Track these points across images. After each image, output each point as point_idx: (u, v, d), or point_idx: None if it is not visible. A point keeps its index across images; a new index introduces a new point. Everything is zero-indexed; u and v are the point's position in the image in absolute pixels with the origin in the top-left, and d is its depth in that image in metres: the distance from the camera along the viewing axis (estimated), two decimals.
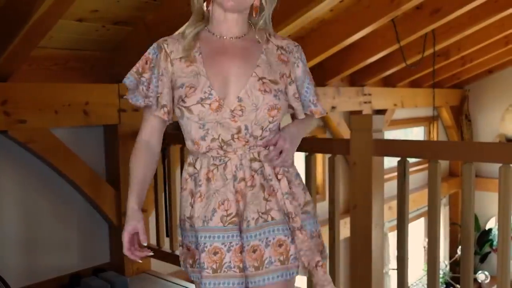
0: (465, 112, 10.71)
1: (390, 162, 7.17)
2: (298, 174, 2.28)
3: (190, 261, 2.22)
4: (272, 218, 2.10)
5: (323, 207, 3.97)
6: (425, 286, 3.69)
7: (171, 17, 4.00)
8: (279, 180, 2.14)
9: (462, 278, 3.19)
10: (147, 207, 4.83)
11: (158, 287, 4.53)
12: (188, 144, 2.19)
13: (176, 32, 2.41)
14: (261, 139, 2.13)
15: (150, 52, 2.20)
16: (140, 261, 2.19)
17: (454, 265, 10.13)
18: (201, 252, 2.10)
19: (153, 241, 4.89)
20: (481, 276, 9.32)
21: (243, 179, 2.11)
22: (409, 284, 5.66)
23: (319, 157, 7.38)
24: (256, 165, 2.13)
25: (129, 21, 4.25)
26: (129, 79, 2.24)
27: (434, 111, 8.21)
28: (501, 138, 10.12)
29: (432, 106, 8.09)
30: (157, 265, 4.94)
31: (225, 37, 2.17)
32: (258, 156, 2.13)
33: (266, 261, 2.08)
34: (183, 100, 2.07)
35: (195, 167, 2.18)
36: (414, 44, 6.67)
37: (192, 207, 2.15)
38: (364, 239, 3.45)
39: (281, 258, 2.09)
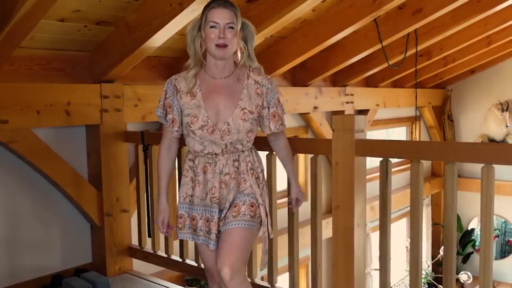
0: (448, 112, 10.78)
1: (372, 162, 7.20)
2: (262, 171, 3.22)
3: (180, 226, 3.18)
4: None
5: (305, 207, 3.96)
6: (408, 286, 3.70)
7: (152, 18, 4.00)
8: (249, 174, 3.08)
9: (445, 279, 3.20)
10: (129, 207, 4.82)
11: (140, 287, 4.51)
12: (190, 150, 3.12)
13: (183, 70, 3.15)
14: (241, 150, 3.06)
15: (166, 86, 3.11)
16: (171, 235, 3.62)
17: (437, 265, 10.18)
18: (199, 219, 3.11)
19: (135, 241, 4.88)
20: (463, 277, 9.36)
21: (228, 173, 3.04)
22: (392, 285, 5.68)
23: (301, 157, 7.37)
24: (236, 164, 3.06)
25: (111, 21, 4.24)
26: (158, 111, 3.17)
27: (416, 111, 8.21)
28: (483, 138, 10.19)
29: (414, 106, 8.10)
30: (139, 265, 4.94)
31: (216, 78, 3.02)
32: (238, 158, 3.06)
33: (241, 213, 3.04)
34: (189, 125, 3.00)
35: (194, 162, 3.10)
36: (396, 44, 6.70)
37: (193, 189, 3.10)
38: (346, 239, 3.45)
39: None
